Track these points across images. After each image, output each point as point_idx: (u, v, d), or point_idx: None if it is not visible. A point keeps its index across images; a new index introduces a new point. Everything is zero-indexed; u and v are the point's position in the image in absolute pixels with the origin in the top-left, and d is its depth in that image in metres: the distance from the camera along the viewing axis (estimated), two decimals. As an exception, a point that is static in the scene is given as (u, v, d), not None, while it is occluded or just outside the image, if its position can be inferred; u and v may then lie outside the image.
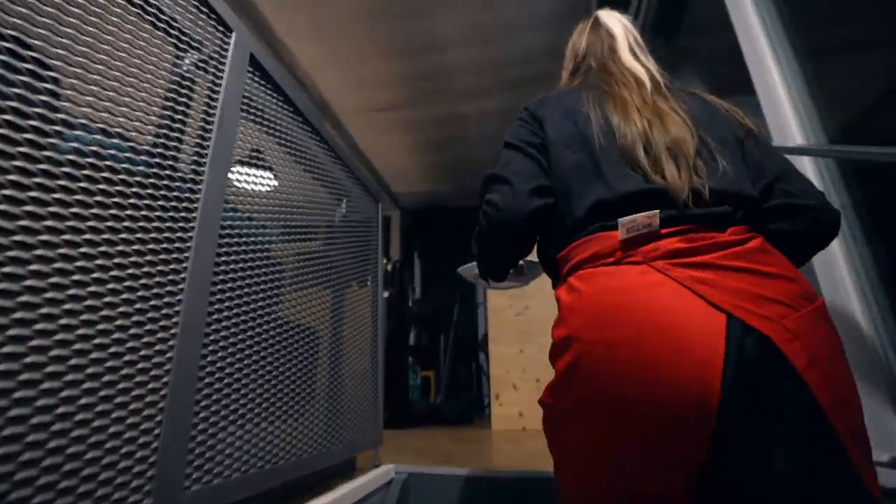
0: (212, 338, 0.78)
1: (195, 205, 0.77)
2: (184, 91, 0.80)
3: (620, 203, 0.65)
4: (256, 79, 1.03)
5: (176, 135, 0.76)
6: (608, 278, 0.61)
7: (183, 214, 0.74)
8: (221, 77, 0.88)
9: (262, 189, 1.04)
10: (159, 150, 0.73)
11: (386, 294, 3.00)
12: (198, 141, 0.81)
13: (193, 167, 0.79)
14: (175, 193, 0.74)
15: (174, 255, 0.71)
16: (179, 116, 0.77)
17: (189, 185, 0.77)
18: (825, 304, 0.58)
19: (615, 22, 0.91)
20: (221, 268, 0.82)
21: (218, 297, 0.81)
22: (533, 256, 0.86)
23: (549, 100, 0.82)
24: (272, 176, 1.10)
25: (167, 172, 0.73)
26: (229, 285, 0.84)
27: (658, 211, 0.62)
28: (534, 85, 3.22)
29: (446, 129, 3.81)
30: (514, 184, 0.72)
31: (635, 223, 0.62)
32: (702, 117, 0.74)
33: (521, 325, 2.64)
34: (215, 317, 0.79)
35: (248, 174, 0.98)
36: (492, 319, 2.65)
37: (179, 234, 0.73)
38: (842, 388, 0.53)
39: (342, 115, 3.61)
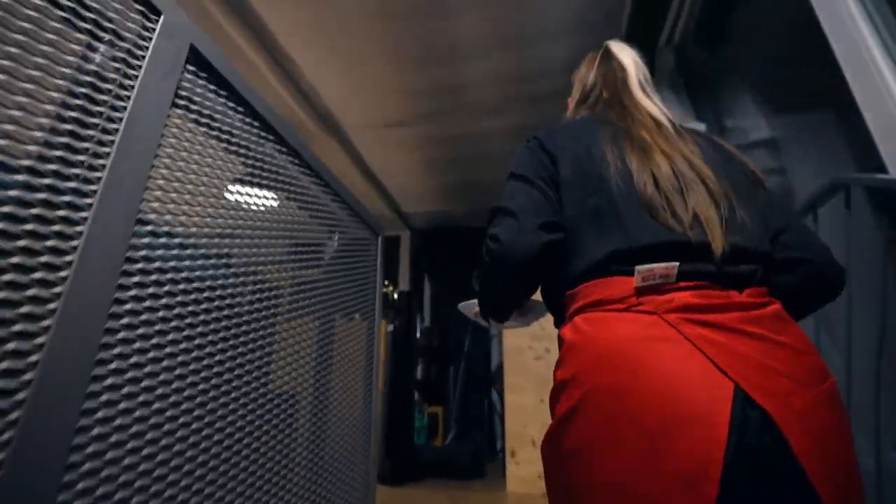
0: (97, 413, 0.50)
1: (73, 239, 0.50)
2: (85, 91, 0.54)
3: (639, 253, 0.62)
4: (205, 82, 0.76)
5: (60, 152, 0.50)
6: (617, 324, 0.59)
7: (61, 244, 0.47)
8: (137, 72, 0.62)
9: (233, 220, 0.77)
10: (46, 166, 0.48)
11: (391, 328, 2.71)
12: (89, 157, 0.54)
13: (76, 187, 0.53)
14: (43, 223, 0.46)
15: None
16: (71, 126, 0.51)
17: (65, 213, 0.50)
18: (836, 384, 0.57)
19: (626, 55, 0.88)
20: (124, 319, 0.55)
21: (118, 353, 0.53)
22: (537, 295, 0.82)
23: (561, 133, 0.78)
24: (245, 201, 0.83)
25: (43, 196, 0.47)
26: (138, 337, 0.56)
27: (677, 263, 0.60)
28: (555, 100, 2.95)
29: (461, 147, 3.55)
30: (521, 218, 0.69)
31: (652, 272, 0.60)
32: (718, 163, 0.71)
33: (541, 370, 2.28)
34: (107, 382, 0.51)
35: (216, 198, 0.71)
36: (508, 363, 2.32)
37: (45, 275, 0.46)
38: (844, 479, 0.52)
39: (350, 129, 3.38)
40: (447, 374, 4.02)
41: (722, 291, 0.60)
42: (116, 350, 0.54)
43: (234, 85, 0.83)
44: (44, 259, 0.48)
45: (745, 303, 0.59)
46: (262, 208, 0.92)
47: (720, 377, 0.51)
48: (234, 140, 0.83)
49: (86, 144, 0.55)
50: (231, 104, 0.84)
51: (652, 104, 0.80)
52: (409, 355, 3.13)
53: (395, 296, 3.09)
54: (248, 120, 0.89)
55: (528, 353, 2.32)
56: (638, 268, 0.61)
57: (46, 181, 0.50)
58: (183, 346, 0.64)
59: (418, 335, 3.63)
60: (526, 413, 2.22)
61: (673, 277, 0.60)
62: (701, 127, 1.91)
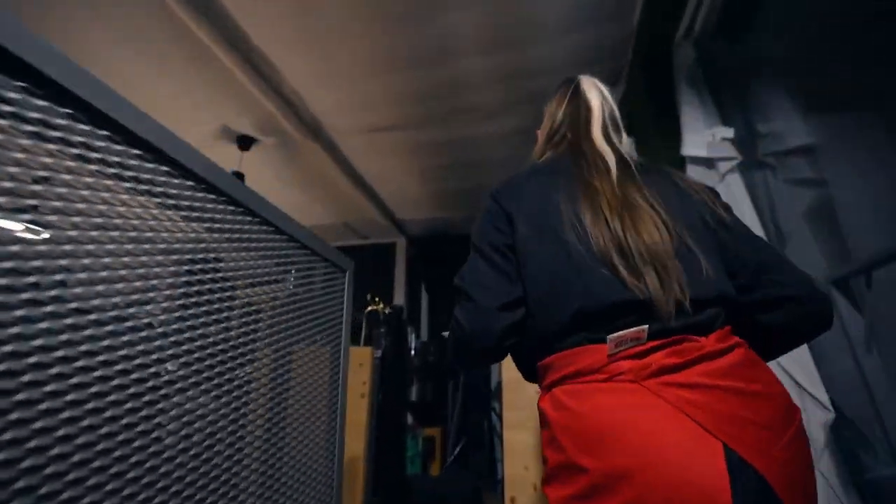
0: None
1: None
2: None
3: (604, 313, 0.63)
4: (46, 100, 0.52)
5: None
6: (601, 398, 0.59)
7: None
8: None
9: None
10: None
11: (378, 353, 2.47)
12: None
13: None
14: None
15: None
16: None
17: None
18: (801, 417, 0.60)
19: (595, 93, 0.87)
20: None
21: None
22: None
23: (519, 187, 0.78)
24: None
25: None
26: None
27: (647, 326, 0.61)
28: (560, 100, 2.70)
29: (458, 151, 3.30)
30: (479, 301, 0.70)
31: (624, 338, 0.61)
32: (674, 205, 0.72)
33: (544, 405, 2.03)
34: None
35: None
36: (507, 398, 2.07)
37: None
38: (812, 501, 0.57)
39: (338, 135, 3.13)
40: (445, 392, 3.78)
41: (691, 343, 0.61)
42: None
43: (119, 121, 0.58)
44: None
45: (713, 350, 0.60)
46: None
47: (709, 439, 0.53)
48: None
49: None
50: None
51: (608, 147, 0.79)
52: (401, 377, 2.89)
53: (387, 311, 2.85)
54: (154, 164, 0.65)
55: (529, 387, 2.07)
56: (610, 337, 0.61)
57: None
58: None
59: (412, 352, 3.39)
60: (527, 454, 1.98)
61: (644, 339, 0.61)
62: (729, 133, 1.66)
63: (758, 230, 1.53)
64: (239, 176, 3.12)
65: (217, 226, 0.78)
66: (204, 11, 2.08)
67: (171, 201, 0.66)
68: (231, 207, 0.82)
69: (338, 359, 1.18)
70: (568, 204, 0.71)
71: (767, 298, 0.68)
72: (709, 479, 0.51)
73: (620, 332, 0.60)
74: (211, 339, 0.71)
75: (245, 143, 3.12)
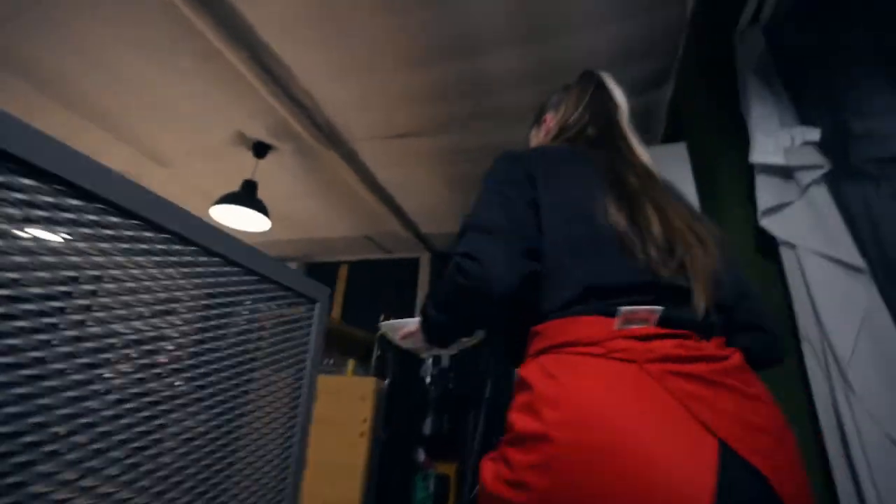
0: None
1: None
2: None
3: (619, 290, 0.61)
4: None
5: None
6: (597, 373, 0.56)
7: None
8: None
9: None
10: None
11: (386, 382, 2.21)
12: None
13: None
14: None
15: None
16: None
17: None
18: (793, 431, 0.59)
19: (619, 91, 0.86)
20: None
21: None
22: None
23: (539, 156, 0.76)
24: None
25: None
26: None
27: (661, 308, 0.59)
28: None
29: (486, 159, 3.05)
30: (504, 239, 0.64)
31: (636, 315, 0.59)
32: (694, 215, 0.74)
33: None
34: None
35: None
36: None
37: None
38: None
39: (355, 142, 2.94)
40: (465, 424, 3.46)
41: (697, 342, 0.60)
42: None
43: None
44: None
45: (715, 354, 0.59)
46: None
47: (704, 435, 0.50)
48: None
49: None
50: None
51: (644, 151, 0.80)
52: (413, 408, 2.61)
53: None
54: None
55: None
56: (622, 308, 0.59)
57: None
58: None
59: (429, 380, 3.11)
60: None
61: (653, 322, 0.59)
62: (813, 135, 1.31)
63: (854, 257, 1.18)
64: (251, 185, 2.97)
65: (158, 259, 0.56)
66: (208, 4, 1.93)
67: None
68: (177, 247, 0.59)
69: (297, 397, 0.93)
70: (601, 189, 0.68)
71: (747, 323, 0.72)
72: (688, 481, 0.46)
73: (632, 307, 0.59)
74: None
75: (260, 150, 2.97)
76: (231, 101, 2.57)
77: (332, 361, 2.51)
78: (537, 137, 0.94)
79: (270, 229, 3.20)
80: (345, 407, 2.01)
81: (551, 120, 0.89)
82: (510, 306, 0.65)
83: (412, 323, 0.86)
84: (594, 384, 0.54)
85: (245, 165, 3.02)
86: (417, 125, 2.72)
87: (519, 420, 0.57)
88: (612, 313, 0.58)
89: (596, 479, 0.48)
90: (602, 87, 0.87)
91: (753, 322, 0.72)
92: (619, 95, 0.86)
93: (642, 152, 0.79)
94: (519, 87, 2.36)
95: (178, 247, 0.67)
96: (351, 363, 2.42)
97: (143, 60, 2.30)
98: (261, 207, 2.88)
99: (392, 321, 0.91)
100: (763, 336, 0.72)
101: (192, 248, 0.69)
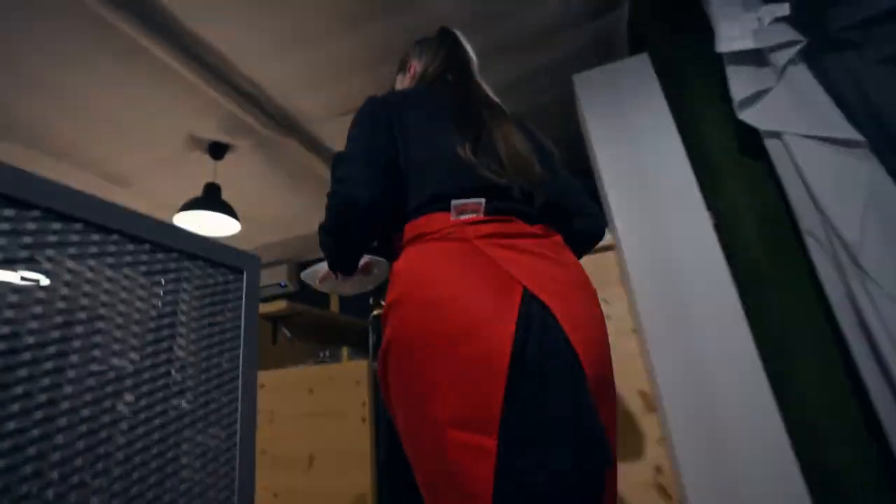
0: None
1: None
2: None
3: (455, 195, 0.77)
4: None
5: None
6: (436, 251, 0.73)
7: None
8: None
9: None
10: None
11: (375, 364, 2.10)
12: None
13: None
14: None
15: None
16: None
17: None
18: (596, 292, 0.79)
19: (470, 48, 1.07)
20: None
21: None
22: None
23: (403, 96, 0.94)
24: None
25: None
26: None
27: (484, 200, 0.76)
28: (545, 70, 2.24)
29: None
30: (360, 165, 0.78)
31: (466, 206, 0.76)
32: (528, 133, 0.93)
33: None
34: None
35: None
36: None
37: None
38: (599, 356, 0.69)
39: (310, 124, 2.80)
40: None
41: (519, 224, 0.77)
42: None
43: None
44: None
45: (535, 233, 0.78)
46: None
47: (512, 281, 0.67)
48: None
49: None
50: None
51: (489, 89, 1.00)
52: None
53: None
54: None
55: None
56: (453, 202, 0.76)
57: None
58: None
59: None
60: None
61: (482, 212, 0.76)
62: (783, 10, 1.18)
63: (848, 131, 1.06)
64: (214, 188, 2.84)
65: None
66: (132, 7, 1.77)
67: None
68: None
69: (235, 379, 0.83)
70: (447, 121, 0.84)
71: (573, 209, 0.92)
72: (504, 310, 0.64)
73: (461, 200, 0.76)
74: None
75: (217, 151, 2.83)
76: (173, 102, 2.42)
77: (328, 353, 2.42)
78: (402, 82, 1.10)
79: (253, 234, 3.08)
80: (342, 394, 1.93)
81: (415, 67, 1.06)
82: (382, 216, 0.80)
83: (324, 265, 0.95)
84: (430, 258, 0.73)
85: (206, 170, 2.88)
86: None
87: (386, 297, 0.76)
88: (448, 208, 0.75)
89: (428, 322, 0.67)
90: (458, 43, 1.05)
91: (576, 208, 0.92)
92: (470, 50, 1.05)
93: (488, 89, 0.99)
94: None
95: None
96: (345, 350, 2.33)
97: (72, 72, 2.15)
98: (227, 210, 2.76)
99: (308, 269, 0.99)
100: (585, 218, 0.93)
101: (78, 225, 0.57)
